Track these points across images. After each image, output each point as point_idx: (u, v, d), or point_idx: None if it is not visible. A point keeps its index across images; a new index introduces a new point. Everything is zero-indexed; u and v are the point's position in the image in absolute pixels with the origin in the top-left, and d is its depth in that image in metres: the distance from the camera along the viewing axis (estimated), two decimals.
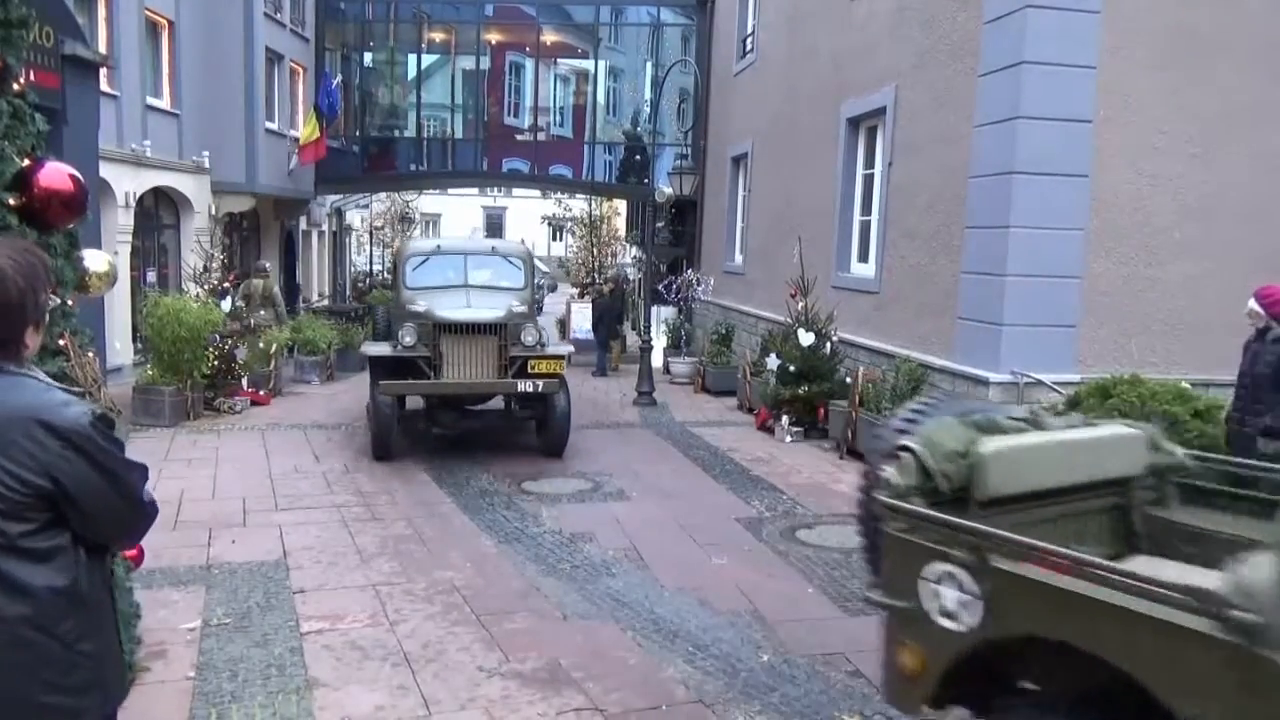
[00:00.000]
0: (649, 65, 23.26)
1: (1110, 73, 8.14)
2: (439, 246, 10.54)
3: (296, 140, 20.11)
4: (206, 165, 17.08)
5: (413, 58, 23.72)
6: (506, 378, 8.84)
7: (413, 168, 24.01)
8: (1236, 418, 6.03)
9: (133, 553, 3.88)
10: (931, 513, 2.80)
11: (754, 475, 8.65)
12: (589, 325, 17.79)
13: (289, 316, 15.13)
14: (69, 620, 1.98)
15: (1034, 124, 8.07)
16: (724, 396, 13.34)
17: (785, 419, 10.37)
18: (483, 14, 23.11)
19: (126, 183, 14.33)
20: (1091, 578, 2.40)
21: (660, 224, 19.69)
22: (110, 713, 2.19)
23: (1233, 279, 8.20)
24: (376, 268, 32.78)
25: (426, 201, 37.55)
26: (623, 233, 31.36)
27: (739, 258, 16.35)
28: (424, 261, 10.00)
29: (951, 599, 2.70)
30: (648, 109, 22.29)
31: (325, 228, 28.74)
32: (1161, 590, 2.26)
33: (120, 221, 14.20)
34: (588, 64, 23.98)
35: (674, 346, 16.04)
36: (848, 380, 9.68)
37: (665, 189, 15.26)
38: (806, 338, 10.38)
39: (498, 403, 9.90)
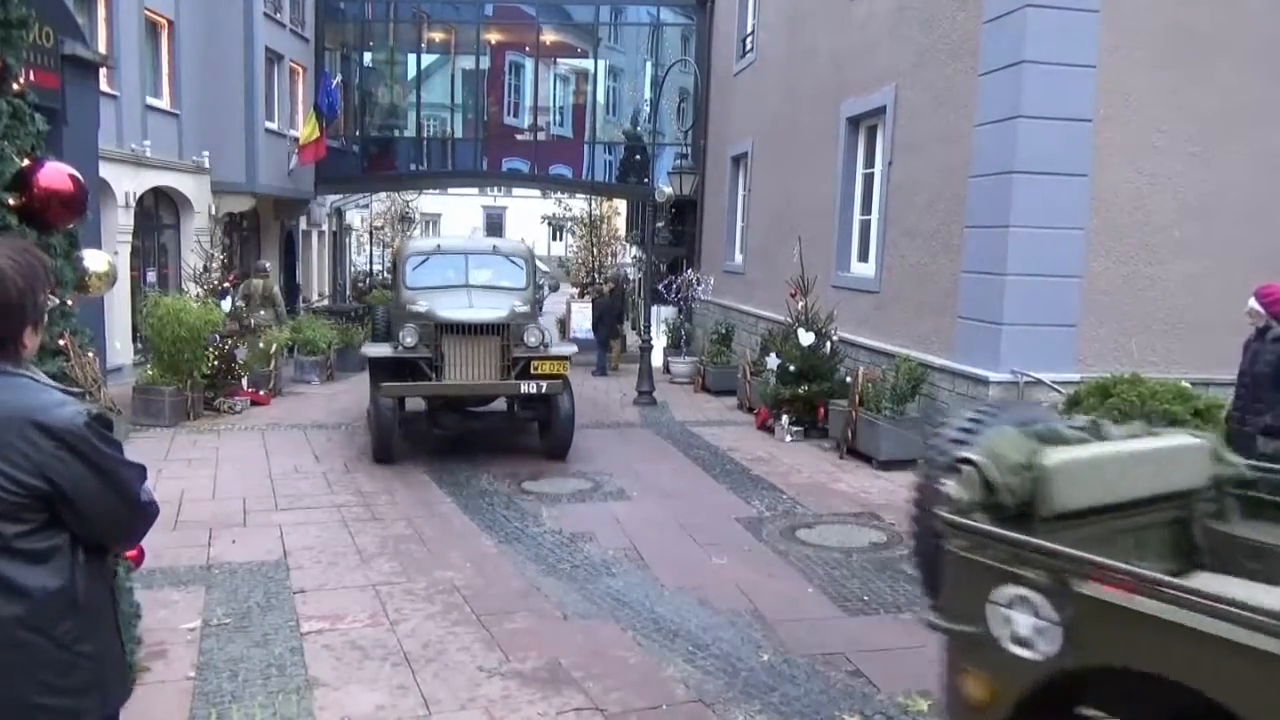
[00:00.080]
0: (649, 65, 23.26)
1: (1110, 72, 8.14)
2: (439, 246, 10.40)
3: (296, 140, 20.11)
4: (206, 165, 17.08)
5: (412, 57, 23.72)
6: (509, 379, 8.71)
7: (413, 167, 24.00)
8: (1237, 417, 6.02)
9: (133, 553, 3.88)
10: (1010, 533, 2.58)
11: (754, 475, 8.65)
12: (589, 325, 17.79)
13: (289, 316, 15.13)
14: (66, 621, 1.98)
15: (1034, 123, 8.06)
16: (724, 396, 13.34)
17: (785, 418, 10.37)
18: (482, 14, 23.11)
19: (126, 183, 14.33)
20: (1195, 606, 2.20)
21: (660, 224, 19.69)
22: (112, 713, 2.19)
23: (1233, 278, 8.20)
24: (376, 268, 32.80)
25: (426, 201, 37.58)
26: (623, 232, 31.38)
27: (739, 257, 16.35)
28: (424, 261, 9.88)
29: (1025, 625, 2.50)
30: (647, 109, 22.29)
31: (325, 228, 28.74)
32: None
33: (120, 221, 14.20)
34: (587, 64, 23.98)
35: (674, 346, 16.04)
36: (848, 380, 9.68)
37: (665, 189, 15.25)
38: (806, 337, 10.38)
39: (500, 404, 9.79)
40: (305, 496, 7.60)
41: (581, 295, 22.32)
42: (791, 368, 10.33)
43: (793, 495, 7.93)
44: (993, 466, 2.72)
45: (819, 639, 4.89)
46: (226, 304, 12.53)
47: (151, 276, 16.09)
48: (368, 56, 23.99)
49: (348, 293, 29.43)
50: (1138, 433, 3.25)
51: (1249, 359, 5.98)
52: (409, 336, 8.67)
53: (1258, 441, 5.77)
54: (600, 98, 24.17)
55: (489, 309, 8.89)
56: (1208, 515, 3.26)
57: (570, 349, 9.65)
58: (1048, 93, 8.05)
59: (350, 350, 14.88)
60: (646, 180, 17.10)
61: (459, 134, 24.06)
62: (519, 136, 24.28)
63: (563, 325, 20.14)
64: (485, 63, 23.35)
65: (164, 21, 16.34)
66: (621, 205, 30.74)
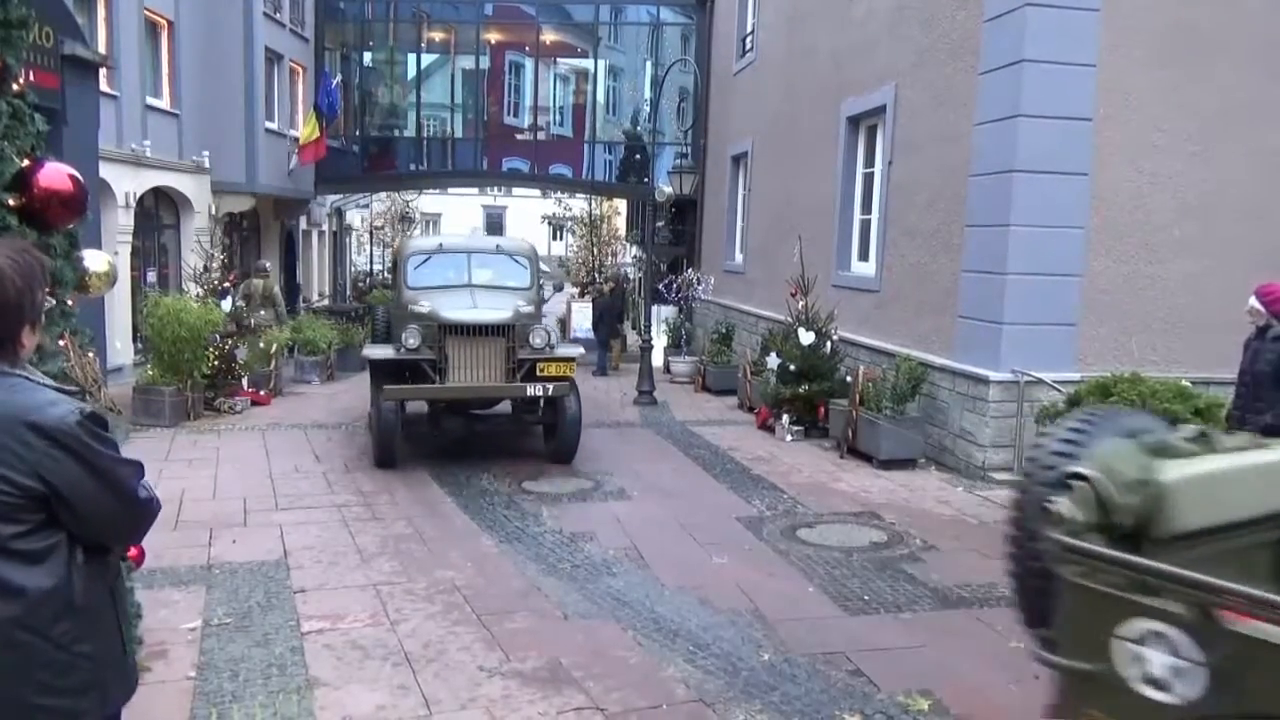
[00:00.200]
0: (649, 64, 23.27)
1: (1110, 71, 8.14)
2: (441, 245, 10.17)
3: (296, 140, 20.11)
4: (206, 165, 17.08)
5: (412, 57, 23.73)
6: (515, 381, 8.50)
7: (413, 167, 24.01)
8: (1237, 416, 6.02)
9: (134, 553, 3.88)
10: (1150, 562, 2.29)
11: (754, 474, 8.65)
12: (589, 324, 17.79)
13: (289, 316, 15.13)
14: (64, 622, 1.97)
15: (1034, 122, 8.07)
16: (724, 395, 13.34)
17: (786, 418, 10.37)
18: (482, 13, 23.11)
19: (126, 183, 14.33)
20: None
21: (660, 223, 19.69)
22: (113, 713, 2.19)
23: (1233, 276, 8.19)
24: (377, 267, 32.82)
25: (426, 201, 37.59)
26: (623, 232, 31.37)
27: (739, 257, 16.35)
28: (426, 260, 9.66)
29: (1161, 665, 2.21)
30: (647, 108, 22.29)
31: (325, 227, 28.75)
32: None
33: (120, 221, 14.21)
34: (587, 63, 23.98)
35: (674, 346, 16.04)
36: (848, 379, 9.68)
37: (665, 188, 15.24)
38: (807, 337, 10.38)
39: (504, 406, 9.62)
40: (306, 496, 7.60)
41: (582, 295, 22.32)
42: (792, 367, 10.33)
43: (793, 495, 7.93)
44: (1108, 483, 2.45)
45: (819, 638, 4.89)
46: (227, 304, 12.53)
47: (152, 276, 16.09)
48: (368, 56, 23.99)
49: (348, 293, 29.45)
50: (1245, 445, 2.98)
51: (1249, 358, 5.98)
52: (412, 338, 8.46)
53: None
54: (600, 97, 24.17)
55: (493, 309, 8.70)
56: None
57: (576, 350, 9.44)
58: (1048, 92, 8.05)
59: (350, 350, 14.88)
60: (646, 180, 17.10)
61: (459, 134, 24.07)
62: (519, 136, 24.29)
63: (563, 325, 20.13)
64: (485, 62, 23.36)
65: (164, 21, 16.34)
66: (621, 205, 30.74)
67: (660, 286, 16.07)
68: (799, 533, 6.83)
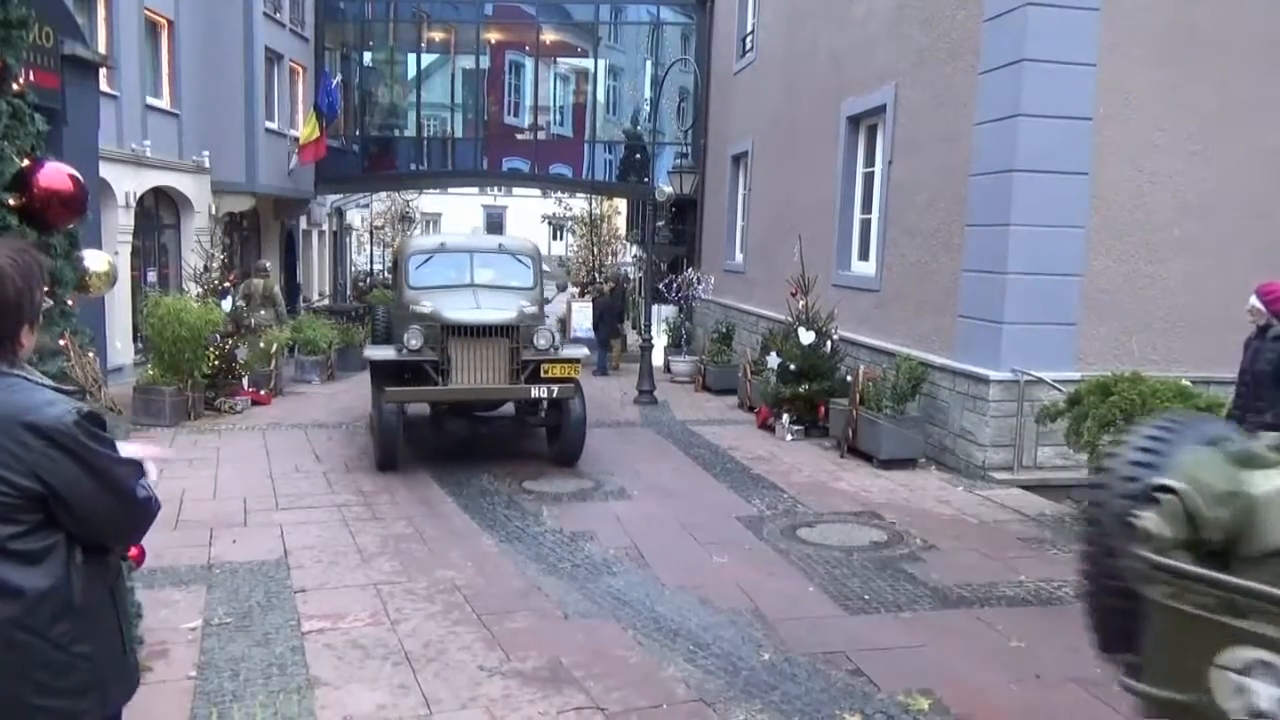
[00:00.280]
0: (649, 64, 23.27)
1: (1110, 70, 8.14)
2: (443, 244, 10.00)
3: (296, 140, 20.12)
4: (206, 165, 17.09)
5: (412, 57, 23.74)
6: (519, 383, 8.37)
7: (413, 167, 24.01)
8: (1237, 415, 6.01)
9: (134, 552, 3.88)
10: (1264, 587, 2.08)
11: (755, 474, 8.65)
12: (589, 324, 17.80)
13: (289, 316, 15.13)
14: (63, 623, 1.97)
15: (1034, 121, 8.07)
16: (725, 395, 13.34)
17: (786, 417, 10.37)
18: (482, 13, 23.12)
19: (126, 183, 14.34)
20: None
21: (660, 223, 19.68)
22: (114, 713, 2.19)
23: (1233, 276, 8.20)
24: (377, 267, 32.85)
25: (427, 201, 37.62)
26: (623, 231, 31.39)
27: (739, 256, 16.36)
28: (428, 259, 9.50)
29: (1270, 698, 2.04)
30: (648, 108, 22.30)
31: (325, 227, 28.77)
32: None
33: (120, 221, 14.21)
34: (587, 63, 23.99)
35: (675, 345, 16.04)
36: (848, 379, 9.68)
37: (665, 188, 15.24)
38: (807, 336, 10.38)
39: (507, 408, 9.49)
40: (306, 496, 7.60)
41: (582, 294, 22.33)
42: (792, 367, 10.33)
43: (793, 494, 7.93)
44: (1196, 495, 2.27)
45: (820, 638, 4.88)
46: (227, 304, 12.53)
47: (152, 276, 16.10)
48: (368, 56, 24.00)
49: (348, 292, 29.47)
50: None
51: (1250, 357, 5.98)
52: (414, 339, 8.32)
53: None
54: (600, 97, 24.18)
55: (497, 310, 8.56)
56: None
57: (581, 351, 9.31)
58: (1048, 91, 8.05)
59: (351, 350, 14.89)
60: (647, 179, 17.11)
61: (459, 134, 24.07)
62: (519, 136, 24.30)
63: (563, 324, 20.13)
64: (485, 62, 23.37)
65: (164, 21, 16.35)
66: (622, 204, 30.76)
67: (660, 286, 16.07)
68: (799, 532, 6.83)
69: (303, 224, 25.05)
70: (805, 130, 12.97)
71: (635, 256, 27.61)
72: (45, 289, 2.15)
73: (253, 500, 7.38)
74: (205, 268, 13.00)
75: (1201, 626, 2.13)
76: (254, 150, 18.35)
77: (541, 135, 23.94)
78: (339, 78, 22.13)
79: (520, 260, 9.72)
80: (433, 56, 24.20)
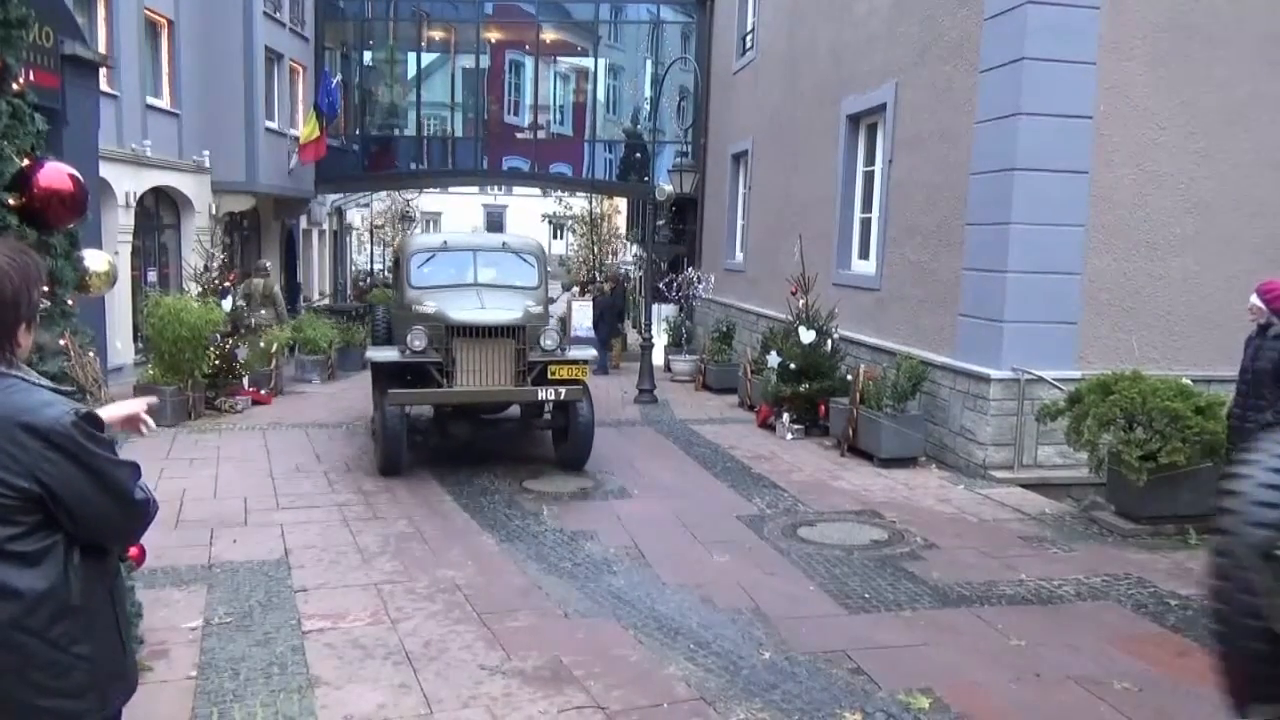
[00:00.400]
0: (649, 63, 23.28)
1: (1110, 68, 8.14)
2: (446, 242, 9.72)
3: (296, 139, 20.12)
4: (207, 165, 17.10)
5: (412, 56, 23.75)
6: (525, 385, 8.18)
7: (413, 166, 24.02)
8: (1238, 413, 6.02)
9: (134, 552, 3.89)
10: None
11: (755, 473, 8.65)
12: (590, 323, 17.80)
13: (290, 316, 15.14)
14: (62, 623, 1.97)
15: (1034, 120, 8.06)
16: (725, 394, 13.34)
17: (786, 416, 10.37)
18: (482, 12, 23.13)
19: (126, 182, 14.35)
20: None
21: (661, 222, 19.69)
22: (114, 713, 2.19)
23: (1233, 274, 8.21)
24: (377, 267, 32.86)
25: (427, 200, 37.66)
26: (623, 230, 31.40)
27: (739, 255, 16.35)
28: (430, 258, 9.30)
29: None
30: (648, 107, 22.30)
31: (326, 227, 28.78)
32: None
33: (120, 221, 14.22)
34: (587, 62, 23.99)
35: (675, 344, 16.04)
36: (849, 377, 9.67)
37: (666, 187, 15.24)
38: (807, 335, 10.37)
39: (512, 410, 9.32)
40: (306, 495, 7.60)
41: (582, 293, 22.34)
42: (792, 365, 10.33)
43: (794, 493, 7.93)
44: None
45: (820, 637, 4.88)
46: (227, 303, 12.54)
47: (152, 276, 16.11)
48: (368, 55, 24.00)
49: (348, 292, 29.48)
50: None
51: (1250, 355, 5.98)
52: (418, 340, 8.11)
53: (1259, 439, 5.76)
54: (600, 96, 24.18)
55: (502, 310, 8.37)
56: None
57: (589, 353, 9.10)
58: (1048, 89, 8.05)
59: (351, 349, 14.90)
60: (647, 178, 17.11)
61: (459, 133, 24.08)
62: (519, 135, 24.30)
63: (563, 324, 20.13)
64: (485, 61, 23.37)
65: (164, 21, 16.35)
66: (622, 203, 30.78)
67: (661, 285, 16.08)
68: (800, 531, 6.83)
69: (303, 223, 25.06)
70: (806, 129, 12.96)
71: (635, 255, 27.61)
72: (43, 289, 2.14)
73: (253, 500, 7.39)
74: (205, 267, 13.01)
75: None
76: (254, 150, 18.35)
77: (541, 134, 23.94)
78: (339, 77, 22.14)
79: (524, 259, 9.54)
80: (433, 56, 24.20)
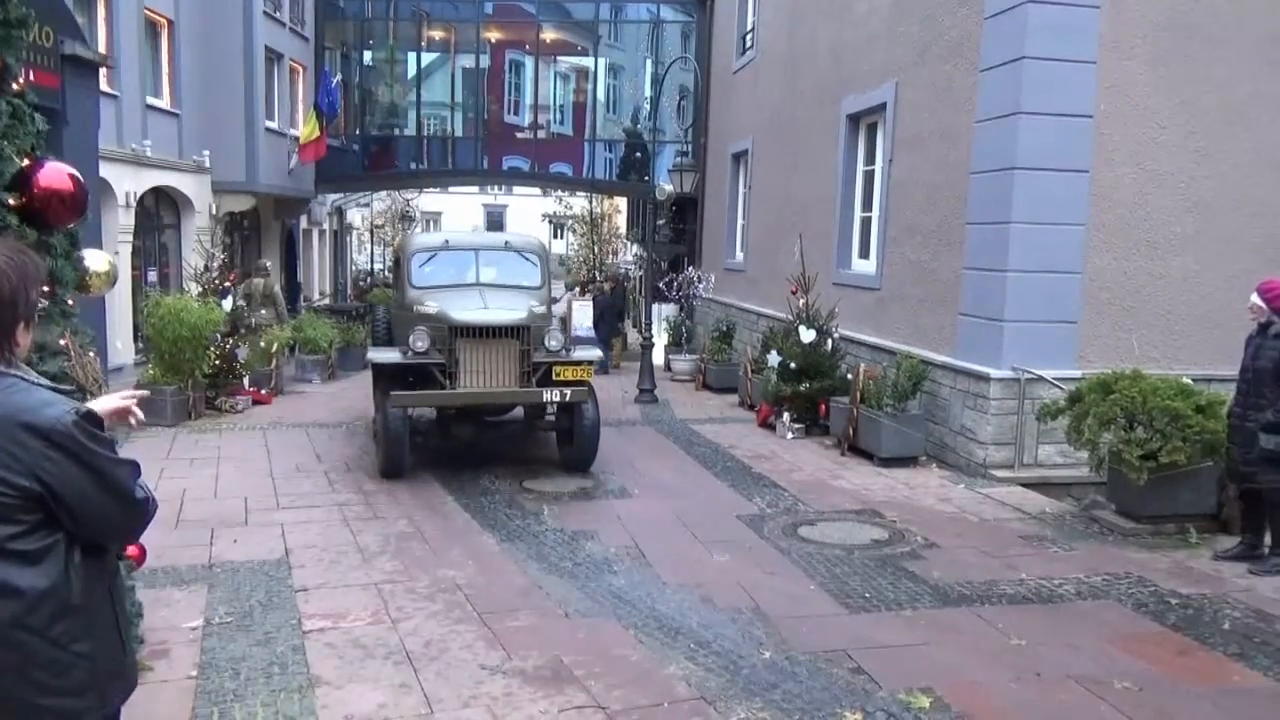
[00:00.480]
0: (649, 62, 23.27)
1: (1110, 67, 8.14)
2: (447, 241, 9.56)
3: (297, 139, 20.12)
4: (207, 165, 17.09)
5: (412, 56, 23.74)
6: (530, 386, 8.06)
7: (413, 166, 24.02)
8: (1238, 413, 6.03)
9: (134, 552, 3.89)
10: None
11: (755, 472, 8.65)
12: (590, 323, 17.80)
13: (290, 315, 15.14)
14: (62, 622, 1.98)
15: (1035, 119, 8.06)
16: (725, 393, 13.34)
17: (786, 416, 10.37)
18: (482, 12, 23.13)
19: (127, 182, 14.34)
20: None
21: (661, 221, 19.69)
22: (113, 712, 2.19)
23: (1234, 273, 8.21)
24: (377, 266, 32.87)
25: (427, 200, 37.68)
26: (624, 230, 31.41)
27: (740, 255, 16.35)
28: (431, 257, 9.16)
29: None
30: (648, 106, 22.29)
31: (326, 226, 28.78)
32: None
33: (121, 221, 14.22)
34: (588, 61, 23.98)
35: (675, 344, 16.04)
36: (849, 377, 9.68)
37: (666, 186, 15.24)
38: (808, 334, 10.37)
39: (516, 412, 9.22)
40: (307, 495, 7.60)
41: (583, 293, 22.34)
42: (793, 365, 10.33)
43: (794, 492, 7.93)
44: None
45: (821, 636, 4.88)
46: (227, 303, 12.54)
47: (152, 276, 16.11)
48: (368, 55, 24.00)
49: (348, 291, 29.49)
50: None
51: (1250, 354, 5.98)
52: (420, 341, 7.98)
53: (1259, 438, 5.78)
54: (600, 95, 24.17)
55: (506, 310, 8.22)
56: None
57: (594, 353, 9.02)
58: (1048, 88, 8.04)
59: (352, 349, 14.90)
60: (647, 178, 17.10)
61: (459, 132, 24.08)
62: (519, 135, 24.30)
63: (564, 323, 20.12)
64: (485, 61, 23.37)
65: (164, 21, 16.35)
66: (622, 203, 30.78)
67: (661, 284, 16.08)
68: (800, 530, 6.83)
69: (303, 223, 25.06)
70: (806, 128, 12.96)
71: (636, 255, 27.61)
72: (42, 288, 2.14)
73: (254, 499, 7.39)
74: (205, 267, 13.01)
75: None
76: (254, 150, 18.35)
77: (542, 134, 23.94)
78: (339, 77, 22.14)
79: (527, 258, 9.42)
80: (433, 55, 24.20)
